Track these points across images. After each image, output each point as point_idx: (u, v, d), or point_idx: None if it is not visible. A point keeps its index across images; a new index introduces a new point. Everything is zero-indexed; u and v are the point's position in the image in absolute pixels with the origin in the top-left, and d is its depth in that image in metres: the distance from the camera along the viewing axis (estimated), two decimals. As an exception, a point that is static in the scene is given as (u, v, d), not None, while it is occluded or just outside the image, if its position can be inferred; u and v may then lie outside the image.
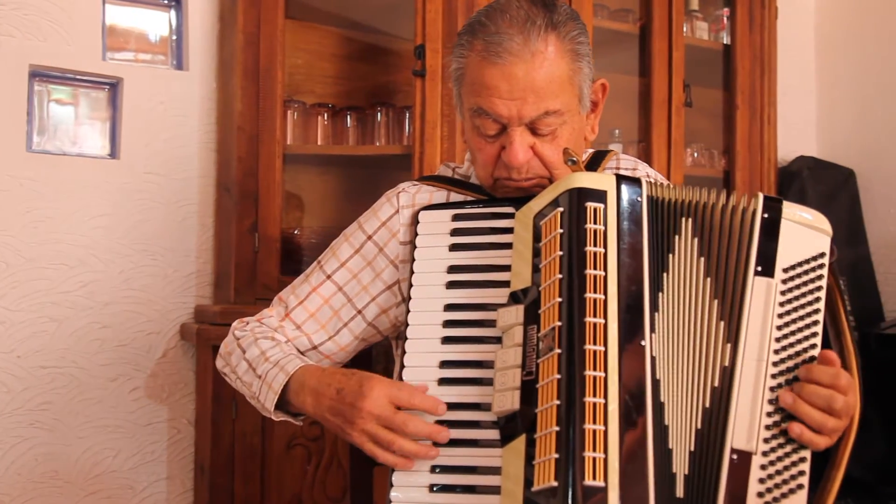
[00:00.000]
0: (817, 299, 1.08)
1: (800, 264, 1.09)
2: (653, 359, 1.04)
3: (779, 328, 1.07)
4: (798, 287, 1.09)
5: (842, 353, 1.11)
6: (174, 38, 2.44)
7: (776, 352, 1.06)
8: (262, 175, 2.21)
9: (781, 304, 1.07)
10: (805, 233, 1.11)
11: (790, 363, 1.06)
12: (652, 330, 1.05)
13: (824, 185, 3.15)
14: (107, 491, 2.26)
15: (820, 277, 1.09)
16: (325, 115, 2.41)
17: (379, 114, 2.41)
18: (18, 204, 2.16)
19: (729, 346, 1.06)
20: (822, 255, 1.10)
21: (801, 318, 1.08)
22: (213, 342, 2.12)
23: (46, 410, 2.18)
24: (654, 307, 1.07)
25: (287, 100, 2.33)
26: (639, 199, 1.11)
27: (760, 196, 1.12)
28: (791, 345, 1.07)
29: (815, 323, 1.07)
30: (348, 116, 2.43)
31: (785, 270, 1.09)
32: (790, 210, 1.12)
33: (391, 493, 1.09)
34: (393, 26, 2.55)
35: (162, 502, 2.34)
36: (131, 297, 2.30)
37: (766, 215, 1.11)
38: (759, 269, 1.08)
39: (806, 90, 3.44)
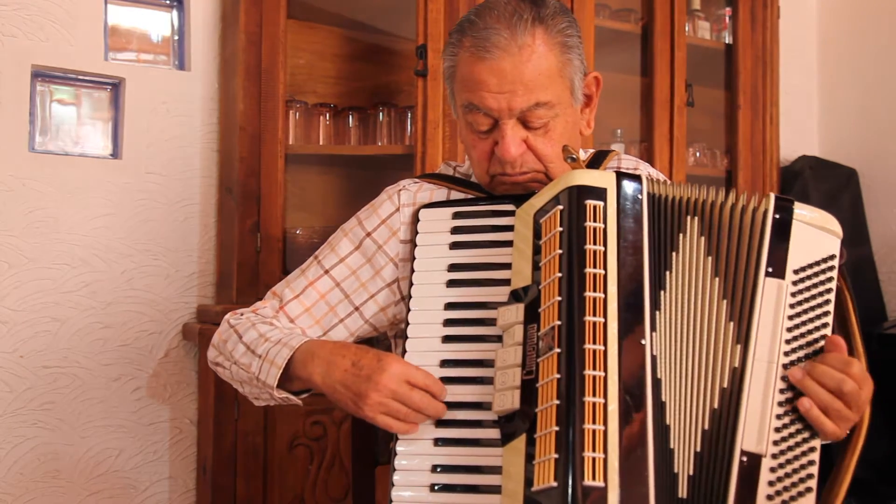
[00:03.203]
0: (827, 301, 1.08)
1: (810, 266, 1.09)
2: (653, 358, 1.03)
3: (789, 330, 1.06)
4: (808, 289, 1.08)
5: (853, 357, 1.10)
6: (176, 38, 2.44)
7: (786, 353, 1.05)
8: (264, 175, 2.22)
9: (792, 306, 1.07)
10: (816, 234, 1.11)
11: (801, 365, 1.05)
12: (653, 329, 1.05)
13: (826, 184, 3.14)
14: (109, 490, 2.26)
15: (830, 280, 1.09)
16: (327, 115, 2.41)
17: (381, 114, 2.42)
18: (21, 204, 2.16)
19: (739, 347, 1.05)
20: (832, 256, 1.10)
21: (812, 319, 1.07)
22: (215, 342, 2.12)
23: (49, 410, 2.18)
24: (656, 306, 1.06)
25: (289, 100, 2.33)
26: (639, 196, 1.10)
27: (772, 196, 1.11)
28: (801, 346, 1.06)
29: (825, 325, 1.07)
30: (350, 116, 2.43)
31: (795, 272, 1.08)
32: (801, 211, 1.11)
33: (393, 493, 1.09)
34: (395, 26, 2.55)
35: (164, 502, 2.34)
36: (133, 296, 2.30)
37: (777, 216, 1.10)
38: (770, 270, 1.08)
39: (808, 89, 3.43)
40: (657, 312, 1.06)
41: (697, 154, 2.91)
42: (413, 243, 1.24)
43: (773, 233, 1.09)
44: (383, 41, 2.60)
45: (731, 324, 1.06)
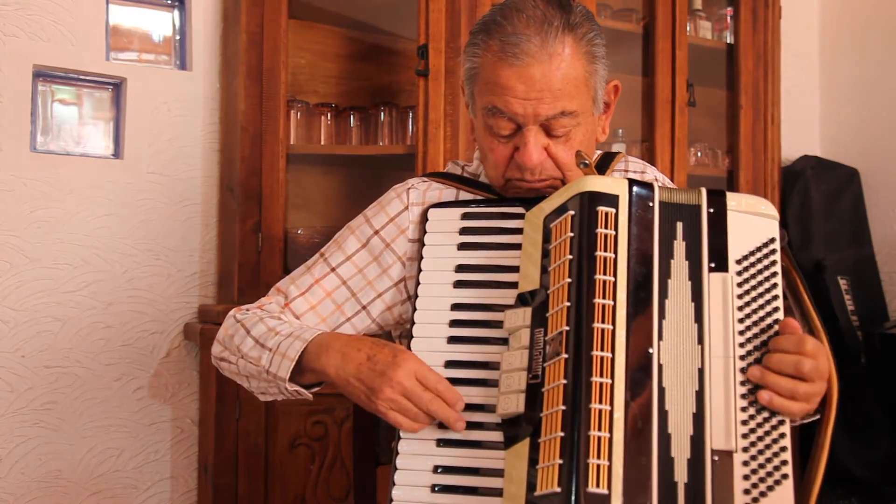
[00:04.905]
0: (774, 285, 1.08)
1: (751, 253, 1.09)
2: (660, 367, 1.03)
3: (740, 321, 1.06)
4: (754, 276, 1.08)
5: (810, 332, 1.12)
6: (178, 38, 2.44)
7: (741, 345, 1.06)
8: (266, 175, 2.21)
9: (740, 297, 1.07)
10: (752, 221, 1.11)
11: (757, 354, 1.06)
12: (660, 338, 1.05)
13: (828, 184, 3.14)
14: (110, 490, 2.26)
15: (774, 263, 1.09)
16: (329, 114, 2.41)
17: (382, 113, 2.41)
18: (22, 204, 2.16)
19: (699, 347, 1.06)
20: (772, 240, 1.10)
21: (762, 306, 1.07)
22: (216, 342, 2.12)
23: (50, 410, 2.19)
24: (662, 314, 1.06)
25: (290, 100, 2.33)
26: (650, 203, 1.10)
27: (703, 191, 1.12)
28: (756, 335, 1.06)
29: (776, 310, 1.07)
30: (351, 116, 2.43)
31: (738, 262, 1.08)
32: (734, 200, 1.11)
33: (393, 493, 1.09)
34: (396, 26, 2.55)
35: (165, 502, 2.34)
36: (135, 296, 2.30)
37: (711, 210, 1.10)
38: (713, 265, 1.08)
39: (810, 89, 3.43)
40: (664, 321, 1.06)
41: (699, 154, 2.91)
42: (421, 242, 1.24)
43: (709, 228, 1.10)
44: (384, 41, 2.60)
45: (696, 325, 1.07)
